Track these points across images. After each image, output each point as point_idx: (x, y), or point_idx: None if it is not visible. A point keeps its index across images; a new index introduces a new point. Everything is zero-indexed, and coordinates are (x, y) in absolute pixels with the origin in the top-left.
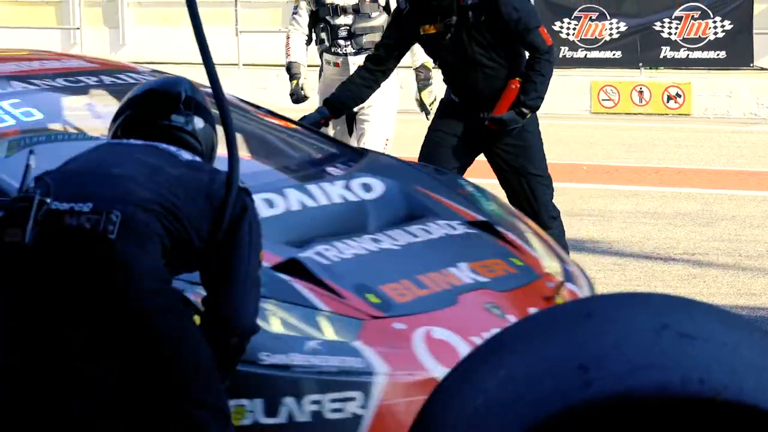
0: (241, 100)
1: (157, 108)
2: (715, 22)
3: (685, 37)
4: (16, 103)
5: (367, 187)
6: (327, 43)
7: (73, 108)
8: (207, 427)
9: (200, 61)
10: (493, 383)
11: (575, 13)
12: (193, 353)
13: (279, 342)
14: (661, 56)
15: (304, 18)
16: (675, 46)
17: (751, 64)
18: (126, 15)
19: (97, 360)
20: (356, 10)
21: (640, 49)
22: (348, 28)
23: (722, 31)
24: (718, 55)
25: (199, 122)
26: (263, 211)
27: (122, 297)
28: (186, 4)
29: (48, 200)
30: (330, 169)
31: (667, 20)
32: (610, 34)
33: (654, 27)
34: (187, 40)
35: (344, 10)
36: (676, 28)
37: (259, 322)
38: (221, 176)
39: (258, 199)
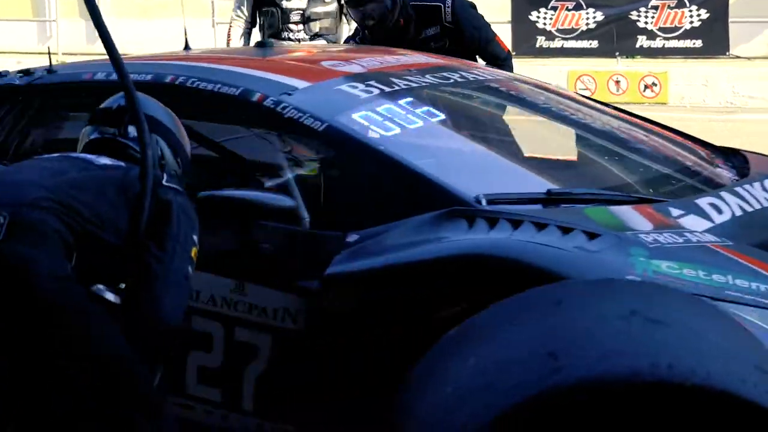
0: (592, 99)
1: (94, 121)
2: (690, 11)
3: (661, 26)
4: (410, 102)
5: None
6: (277, 29)
7: (465, 105)
8: (141, 427)
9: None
10: (463, 371)
11: (552, 3)
12: (109, 351)
13: None
14: (638, 45)
15: (248, 4)
16: (651, 35)
17: (727, 53)
18: (102, 8)
19: (76, 358)
20: None
21: (617, 39)
22: (301, 12)
23: (698, 20)
24: (694, 44)
25: (133, 131)
26: (715, 216)
27: (23, 299)
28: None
29: None
30: (721, 171)
31: (643, 9)
32: (587, 24)
33: (630, 16)
34: (165, 32)
35: None
36: (653, 17)
37: None
38: (135, 171)
39: (703, 203)
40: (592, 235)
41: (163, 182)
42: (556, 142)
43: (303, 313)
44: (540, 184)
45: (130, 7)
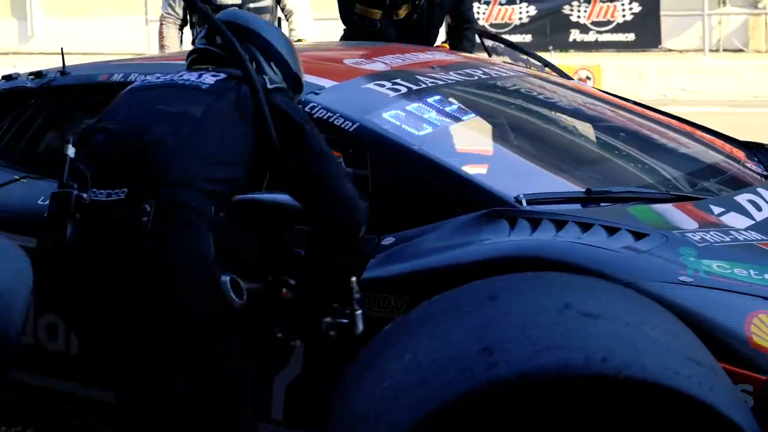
0: (617, 96)
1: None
2: (623, 4)
3: (594, 20)
4: (439, 100)
5: None
6: None
7: (495, 103)
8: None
9: (109, 51)
10: (399, 367)
11: None
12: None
13: None
14: (571, 39)
15: (179, 1)
16: (584, 29)
17: (659, 46)
18: (34, 6)
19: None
20: None
21: (550, 33)
22: (237, 8)
23: (630, 14)
24: (626, 37)
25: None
26: (755, 213)
27: (165, 287)
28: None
29: (85, 195)
30: (753, 167)
31: (576, 4)
32: (520, 19)
33: (563, 11)
34: (96, 30)
35: None
36: (585, 11)
37: None
38: (245, 92)
39: (742, 200)
40: (639, 235)
41: (268, 86)
42: (583, 140)
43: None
44: (579, 183)
45: (60, 5)
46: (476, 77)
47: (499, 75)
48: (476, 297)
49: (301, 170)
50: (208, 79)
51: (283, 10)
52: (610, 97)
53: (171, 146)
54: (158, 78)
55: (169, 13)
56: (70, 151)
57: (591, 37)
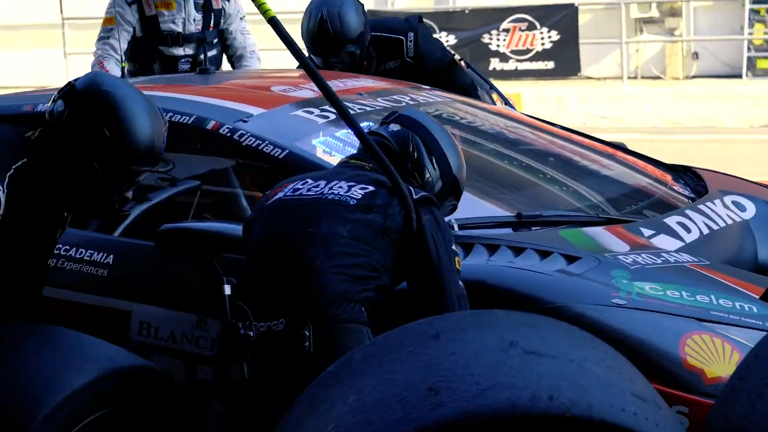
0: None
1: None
2: (542, 33)
3: (513, 48)
4: (368, 127)
5: (740, 206)
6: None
7: None
8: None
9: (27, 84)
10: (343, 408)
11: None
12: None
13: None
14: (491, 68)
15: (121, 43)
16: (504, 57)
17: (579, 74)
18: None
19: None
20: (201, 39)
21: (470, 62)
22: (190, 59)
23: (549, 42)
24: (546, 65)
25: (394, 127)
26: (684, 235)
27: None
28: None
29: (251, 333)
30: (680, 189)
31: (495, 32)
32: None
33: (482, 39)
34: (13, 63)
35: (187, 39)
36: (505, 40)
37: None
38: (393, 208)
39: (672, 222)
40: (571, 258)
41: (414, 197)
42: (513, 166)
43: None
44: (509, 208)
45: None
46: (404, 103)
47: (427, 101)
48: (419, 336)
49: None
50: (357, 192)
51: (231, 57)
52: (541, 123)
53: (321, 268)
54: (309, 190)
55: (109, 54)
56: (227, 290)
57: (511, 65)
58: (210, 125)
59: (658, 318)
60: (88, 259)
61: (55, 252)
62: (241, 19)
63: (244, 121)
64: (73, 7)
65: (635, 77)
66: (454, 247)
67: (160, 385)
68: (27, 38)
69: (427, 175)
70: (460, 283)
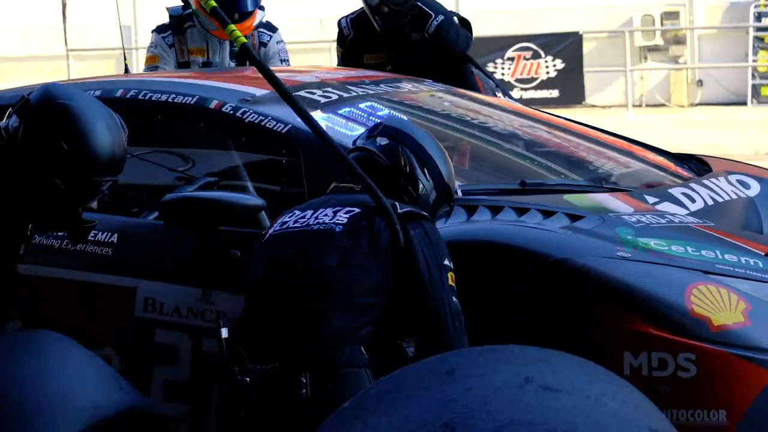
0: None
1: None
2: (546, 61)
3: (518, 77)
4: (370, 106)
5: (744, 184)
6: None
7: (425, 107)
8: None
9: None
10: None
11: None
12: None
13: None
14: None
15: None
16: (509, 86)
17: (583, 102)
18: None
19: None
20: None
21: None
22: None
23: (554, 71)
24: (551, 93)
25: (382, 140)
26: (689, 204)
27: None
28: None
29: (248, 380)
30: (684, 173)
31: (499, 61)
32: None
33: (487, 68)
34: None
35: None
36: (509, 68)
37: None
38: (378, 224)
39: (676, 192)
40: (575, 217)
41: (398, 211)
42: (517, 151)
43: None
44: (512, 179)
45: None
46: (406, 89)
47: (429, 88)
48: (434, 372)
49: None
50: (342, 218)
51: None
52: (539, 113)
53: (313, 308)
54: (295, 222)
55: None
56: (224, 333)
57: (515, 94)
58: (213, 104)
59: (663, 270)
60: (92, 239)
61: (58, 234)
62: (282, 61)
63: (247, 100)
64: (77, 39)
65: (640, 105)
66: (447, 262)
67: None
68: (32, 70)
69: (421, 188)
70: (455, 299)
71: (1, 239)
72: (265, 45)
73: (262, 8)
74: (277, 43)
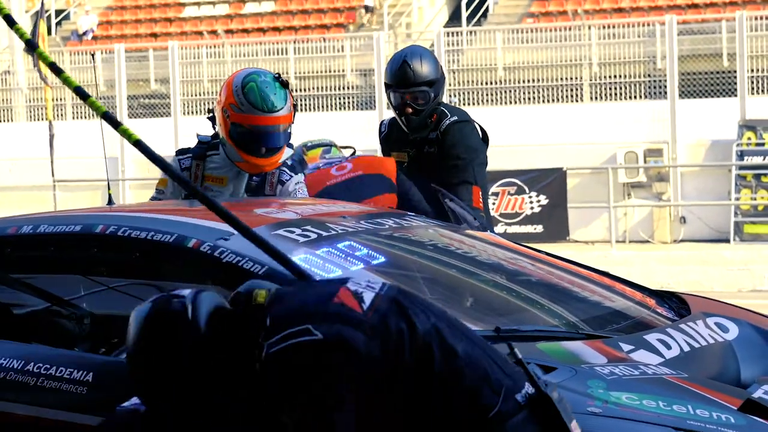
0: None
1: None
2: (530, 197)
3: (502, 212)
4: (349, 246)
5: (723, 327)
6: None
7: (404, 249)
8: None
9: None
10: None
11: None
12: None
13: None
14: None
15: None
16: (493, 221)
17: (567, 237)
18: None
19: None
20: None
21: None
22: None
23: (538, 206)
24: (535, 228)
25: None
26: (664, 351)
27: None
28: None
29: None
30: (663, 312)
31: None
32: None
33: None
34: None
35: None
36: (494, 203)
37: None
38: None
39: (652, 339)
40: (547, 369)
41: None
42: (494, 289)
43: None
44: (488, 326)
45: None
46: (387, 226)
47: (410, 225)
48: None
49: None
50: None
51: None
52: (524, 248)
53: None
54: None
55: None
56: None
57: (500, 229)
58: (191, 243)
59: (633, 426)
60: (67, 377)
61: (34, 371)
62: None
63: (225, 239)
64: (65, 170)
65: (624, 241)
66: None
67: None
68: (19, 199)
69: None
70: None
71: None
72: (282, 183)
73: (291, 146)
74: (296, 184)
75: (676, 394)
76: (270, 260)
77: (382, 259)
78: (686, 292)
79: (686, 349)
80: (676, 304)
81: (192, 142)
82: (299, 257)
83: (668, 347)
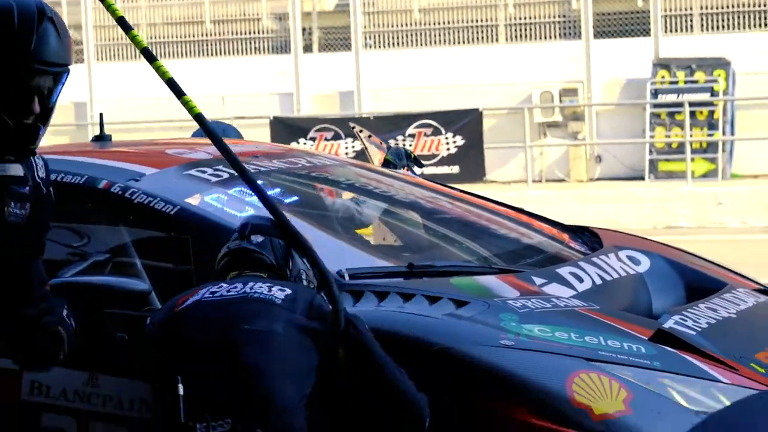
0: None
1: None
2: (447, 138)
3: (418, 153)
4: (261, 185)
5: (635, 260)
6: None
7: (316, 187)
8: None
9: None
10: None
11: (311, 133)
12: None
13: (684, 415)
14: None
15: None
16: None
17: (484, 178)
18: None
19: None
20: None
21: None
22: None
23: (455, 147)
24: (451, 169)
25: (256, 238)
26: (576, 285)
27: None
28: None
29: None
30: (576, 246)
31: (400, 138)
32: (346, 153)
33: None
34: None
35: None
36: (410, 145)
37: (662, 395)
38: (317, 299)
39: (564, 272)
40: (460, 303)
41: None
42: (407, 224)
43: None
44: (401, 262)
45: None
46: (299, 164)
47: (324, 164)
48: None
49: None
50: (278, 293)
51: None
52: (439, 186)
53: (264, 368)
54: (228, 291)
55: None
56: (181, 389)
57: (416, 170)
58: (102, 184)
59: (545, 357)
60: None
61: None
62: None
63: (136, 180)
64: None
65: (540, 180)
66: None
67: None
68: None
69: (304, 273)
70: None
71: None
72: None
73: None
74: None
75: (587, 326)
76: (181, 200)
77: (295, 197)
78: (600, 227)
79: (598, 281)
80: (589, 239)
81: None
82: (211, 197)
83: (580, 280)
